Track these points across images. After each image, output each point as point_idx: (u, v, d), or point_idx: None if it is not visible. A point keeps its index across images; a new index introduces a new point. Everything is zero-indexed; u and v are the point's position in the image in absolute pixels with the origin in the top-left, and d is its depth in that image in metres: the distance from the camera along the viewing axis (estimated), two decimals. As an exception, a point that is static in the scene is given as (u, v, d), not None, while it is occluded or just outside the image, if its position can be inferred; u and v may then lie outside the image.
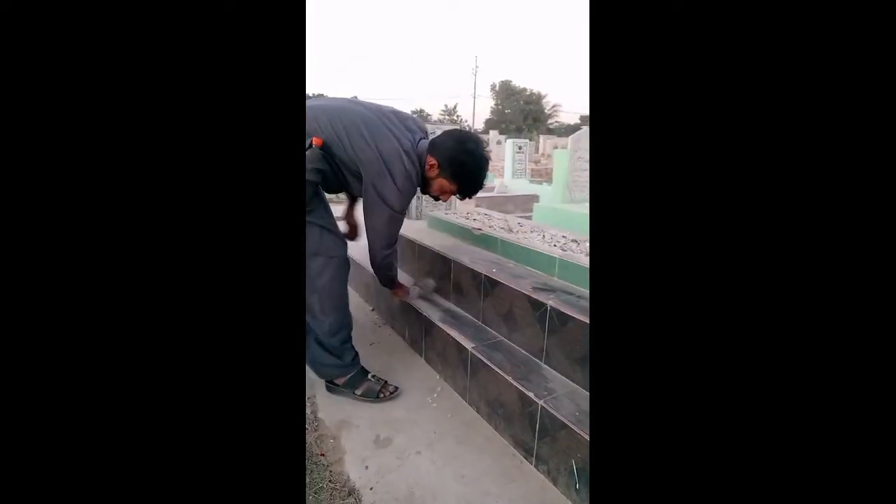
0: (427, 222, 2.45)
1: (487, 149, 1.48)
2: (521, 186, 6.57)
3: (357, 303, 2.35)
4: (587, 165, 3.52)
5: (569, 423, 1.10)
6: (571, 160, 3.55)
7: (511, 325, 1.52)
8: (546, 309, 1.36)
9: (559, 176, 3.70)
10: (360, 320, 2.13)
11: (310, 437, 1.32)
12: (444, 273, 1.87)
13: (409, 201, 1.42)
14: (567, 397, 1.21)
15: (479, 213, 2.44)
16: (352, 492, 1.13)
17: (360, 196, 1.44)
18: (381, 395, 1.50)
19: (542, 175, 9.37)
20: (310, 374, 1.52)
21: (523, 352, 1.46)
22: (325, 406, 1.48)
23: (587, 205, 3.22)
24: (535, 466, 1.22)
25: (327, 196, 1.49)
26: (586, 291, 1.45)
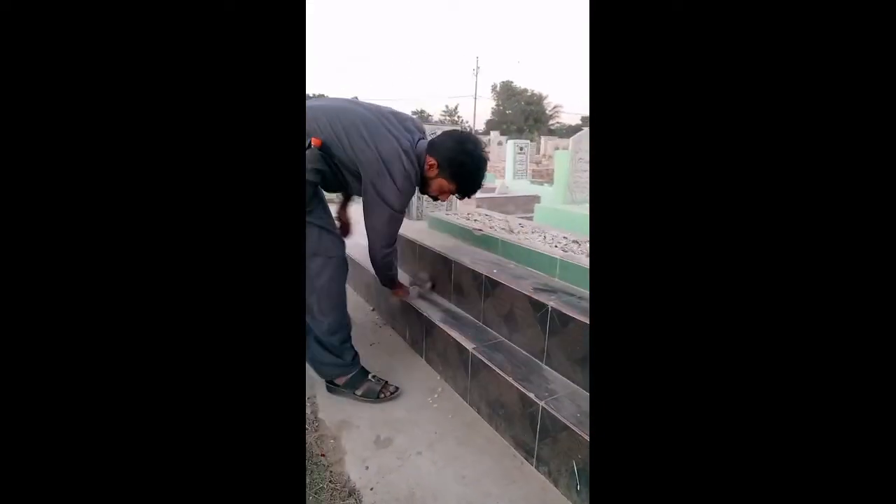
0: (428, 223, 2.45)
1: (486, 149, 1.49)
2: (522, 187, 6.57)
3: (358, 303, 2.35)
4: (588, 166, 3.51)
5: (570, 425, 1.10)
6: (572, 161, 3.55)
7: (512, 325, 1.52)
8: (547, 310, 1.35)
9: (560, 177, 3.69)
10: (361, 320, 2.13)
11: (310, 438, 1.32)
12: (445, 274, 1.87)
13: (408, 201, 1.43)
14: (568, 398, 1.21)
15: (479, 214, 2.44)
16: (352, 492, 1.13)
17: (359, 196, 1.45)
18: (382, 396, 1.50)
19: (544, 176, 9.37)
20: (310, 373, 1.52)
21: (524, 353, 1.46)
22: (325, 406, 1.48)
23: (588, 206, 3.22)
24: (536, 467, 1.22)
25: (326, 196, 1.49)
26: (587, 292, 1.44)
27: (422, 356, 1.81)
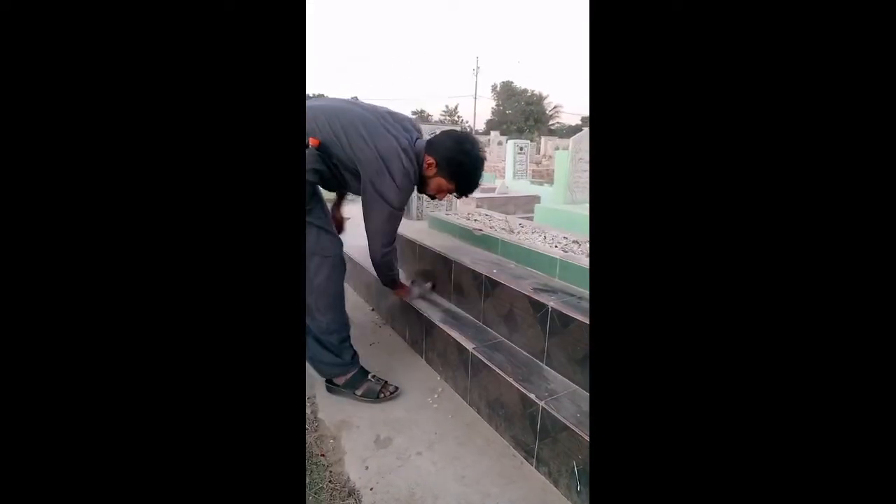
0: (428, 223, 2.45)
1: (484, 149, 1.50)
2: (522, 187, 6.57)
3: (357, 303, 2.35)
4: (588, 167, 3.51)
5: (570, 425, 1.10)
6: (572, 161, 3.55)
7: (512, 325, 1.52)
8: (547, 310, 1.35)
9: (560, 177, 3.69)
10: (361, 320, 2.13)
11: (310, 438, 1.32)
12: (445, 273, 1.87)
13: (407, 198, 1.44)
14: (568, 398, 1.21)
15: (480, 214, 2.44)
16: (352, 492, 1.13)
17: (358, 195, 1.46)
18: (382, 396, 1.50)
19: (544, 176, 9.37)
20: (310, 373, 1.52)
21: (524, 353, 1.46)
22: (325, 406, 1.48)
23: (588, 206, 3.22)
24: (536, 468, 1.22)
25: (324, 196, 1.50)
26: (587, 293, 1.44)
27: (422, 356, 1.81)
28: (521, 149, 7.41)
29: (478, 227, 2.07)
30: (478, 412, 1.46)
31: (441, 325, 1.64)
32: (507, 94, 37.97)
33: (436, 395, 1.56)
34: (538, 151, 14.30)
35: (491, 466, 1.24)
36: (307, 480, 1.15)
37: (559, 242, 1.79)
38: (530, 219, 3.15)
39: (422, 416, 1.45)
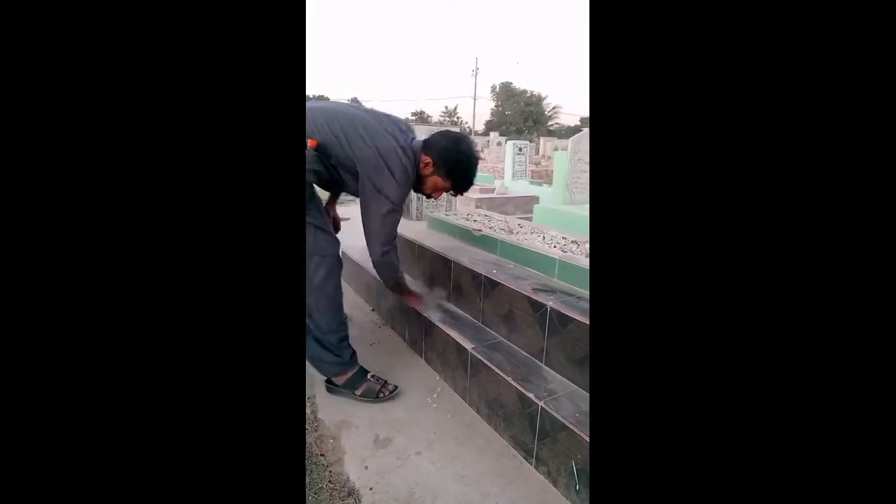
0: (427, 223, 2.45)
1: (480, 149, 1.54)
2: (522, 188, 6.57)
3: (357, 303, 2.35)
4: (587, 167, 3.52)
5: (569, 425, 1.10)
6: (571, 162, 3.56)
7: (511, 326, 1.52)
8: (546, 310, 1.36)
9: (559, 177, 3.70)
10: (360, 321, 2.13)
11: (310, 438, 1.32)
12: (444, 274, 1.87)
13: (406, 195, 1.47)
14: (567, 398, 1.21)
15: (479, 215, 2.44)
16: (351, 492, 1.13)
17: (356, 196, 1.49)
18: (381, 395, 1.50)
19: (543, 176, 9.37)
20: (310, 373, 1.53)
21: (523, 353, 1.46)
22: (324, 406, 1.48)
23: (587, 206, 3.22)
24: (535, 467, 1.22)
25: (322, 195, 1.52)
26: (586, 293, 1.45)
27: (421, 356, 1.81)
28: (520, 149, 7.42)
29: (477, 228, 2.07)
30: (477, 412, 1.46)
31: (440, 326, 1.64)
32: (507, 95, 37.99)
33: (435, 395, 1.56)
34: (537, 152, 14.30)
35: (490, 466, 1.24)
36: (307, 480, 1.15)
37: (558, 243, 1.79)
38: (529, 219, 3.16)
39: (421, 415, 1.45)
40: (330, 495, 1.11)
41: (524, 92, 38.00)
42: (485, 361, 1.40)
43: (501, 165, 8.86)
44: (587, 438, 1.05)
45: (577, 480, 1.09)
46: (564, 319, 1.29)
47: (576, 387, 1.27)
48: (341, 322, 1.50)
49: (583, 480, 1.07)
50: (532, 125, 34.77)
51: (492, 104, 39.36)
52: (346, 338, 1.52)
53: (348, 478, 1.18)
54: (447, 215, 2.40)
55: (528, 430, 1.23)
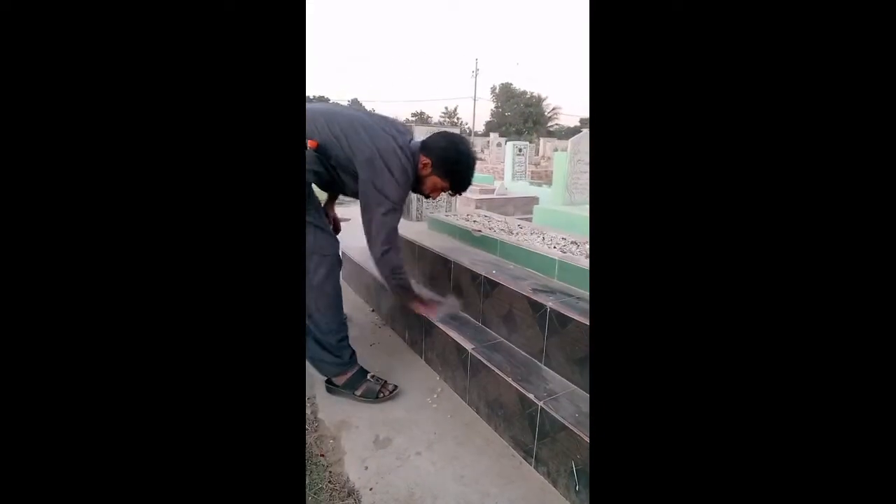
0: (427, 224, 2.45)
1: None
2: (521, 188, 6.58)
3: (358, 304, 2.35)
4: (587, 168, 3.52)
5: (569, 425, 1.10)
6: (571, 162, 3.56)
7: (511, 326, 1.52)
8: (546, 310, 1.36)
9: (559, 178, 3.70)
10: (361, 321, 2.13)
11: (310, 438, 1.32)
12: (445, 274, 1.87)
13: (405, 195, 1.47)
14: (567, 399, 1.21)
15: (479, 215, 2.44)
16: (351, 492, 1.13)
17: (354, 197, 1.50)
18: (381, 395, 1.50)
19: (542, 177, 9.38)
20: (310, 373, 1.53)
21: (523, 353, 1.46)
22: (324, 406, 1.48)
23: (587, 207, 3.23)
24: (535, 468, 1.22)
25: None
26: (586, 293, 1.45)
27: (421, 356, 1.81)
28: (520, 150, 7.43)
29: (477, 229, 2.07)
30: (477, 412, 1.46)
31: (440, 326, 1.64)
32: (506, 95, 38.01)
33: (435, 396, 1.56)
34: (537, 153, 14.30)
35: (490, 466, 1.24)
36: (307, 480, 1.15)
37: (558, 243, 1.79)
38: (529, 220, 3.16)
39: (421, 416, 1.45)
40: (330, 495, 1.11)
41: (524, 93, 38.03)
42: (484, 362, 1.40)
43: (501, 166, 8.87)
44: (587, 439, 1.05)
45: (577, 481, 1.09)
46: (564, 320, 1.30)
47: (575, 387, 1.27)
48: (341, 322, 1.50)
49: (582, 481, 1.07)
50: (532, 126, 34.80)
51: (492, 105, 39.40)
52: (346, 338, 1.52)
53: (348, 478, 1.18)
54: (447, 216, 2.40)
55: (527, 430, 1.23)
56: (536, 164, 11.33)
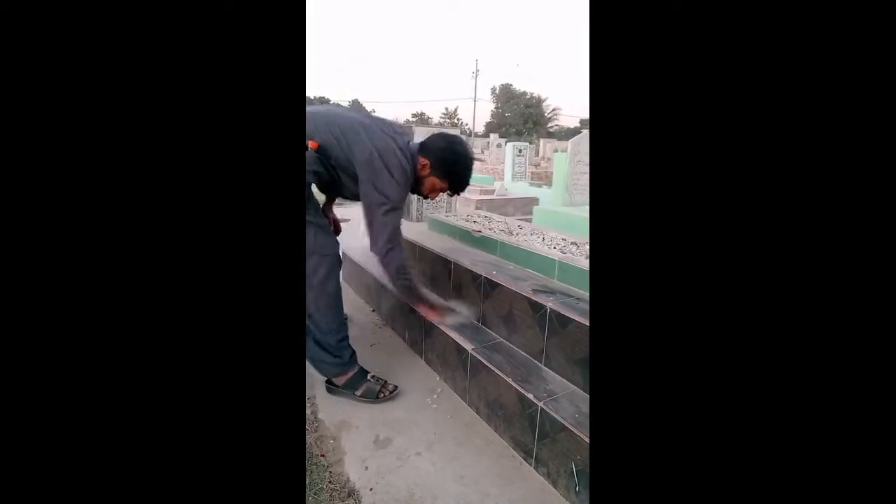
0: (427, 224, 2.45)
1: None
2: (521, 189, 6.59)
3: (358, 304, 2.35)
4: (587, 169, 3.52)
5: (568, 425, 1.10)
6: (571, 163, 3.56)
7: (511, 326, 1.52)
8: (546, 311, 1.36)
9: (559, 179, 3.70)
10: (361, 322, 2.13)
11: (310, 438, 1.32)
12: (445, 275, 1.88)
13: (405, 194, 1.48)
14: (567, 399, 1.21)
15: (479, 216, 2.44)
16: (351, 493, 1.13)
17: (354, 199, 1.52)
18: (381, 395, 1.50)
19: (542, 178, 9.38)
20: (310, 373, 1.53)
21: (523, 353, 1.46)
22: (325, 406, 1.48)
23: (587, 208, 3.23)
24: (535, 468, 1.22)
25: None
26: (586, 294, 1.45)
27: (421, 357, 1.81)
28: (520, 151, 7.44)
29: (477, 229, 2.07)
30: (477, 412, 1.46)
31: (440, 326, 1.64)
32: (507, 96, 38.02)
33: (435, 396, 1.56)
34: (537, 154, 14.30)
35: (490, 467, 1.24)
36: (307, 481, 1.15)
37: (558, 244, 1.79)
38: (529, 220, 3.16)
39: (421, 416, 1.45)
40: (330, 496, 1.11)
41: (524, 94, 38.03)
42: (485, 362, 1.40)
43: (501, 167, 8.88)
44: (587, 439, 1.05)
45: (577, 481, 1.09)
46: (564, 320, 1.30)
47: (575, 388, 1.27)
48: (341, 322, 1.50)
49: (582, 481, 1.07)
50: (532, 127, 34.81)
51: (492, 106, 39.41)
52: (346, 338, 1.52)
53: (348, 478, 1.18)
54: (447, 216, 2.41)
55: (527, 430, 1.23)
56: (536, 165, 11.33)
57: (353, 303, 2.34)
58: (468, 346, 1.49)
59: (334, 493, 1.12)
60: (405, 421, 1.42)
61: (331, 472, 1.19)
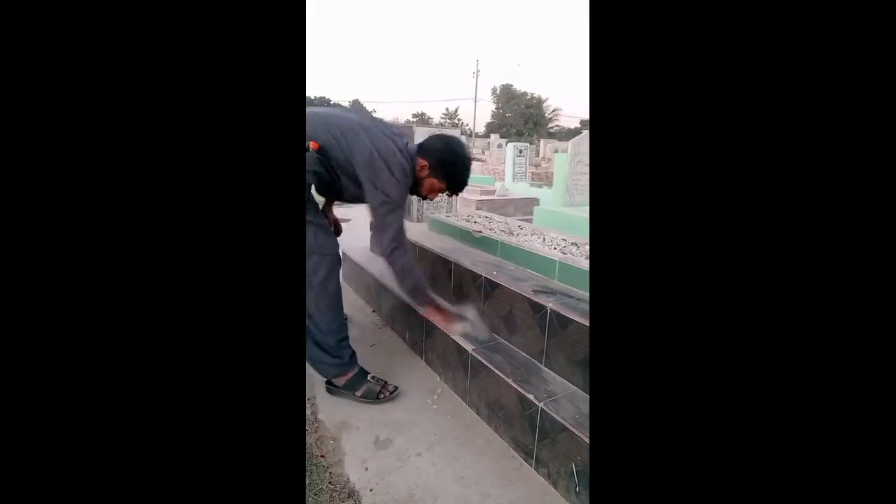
0: (428, 225, 2.45)
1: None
2: (522, 189, 6.59)
3: (358, 304, 2.35)
4: (587, 169, 3.52)
5: (569, 426, 1.10)
6: (571, 164, 3.56)
7: (511, 327, 1.52)
8: (546, 311, 1.36)
9: (559, 179, 3.70)
10: (361, 322, 2.13)
11: (310, 439, 1.32)
12: (445, 275, 1.88)
13: (406, 194, 1.49)
14: (567, 400, 1.21)
15: (479, 216, 2.44)
16: (352, 493, 1.13)
17: (352, 201, 1.55)
18: (381, 396, 1.50)
19: (543, 178, 9.38)
20: (310, 374, 1.53)
21: (523, 354, 1.46)
22: (325, 407, 1.48)
23: (587, 208, 3.23)
24: (535, 469, 1.22)
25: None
26: (586, 294, 1.45)
27: (421, 357, 1.81)
28: (521, 151, 7.44)
29: (477, 229, 2.07)
30: (477, 413, 1.46)
31: (441, 327, 1.64)
32: (507, 97, 38.03)
33: (435, 397, 1.56)
34: (537, 154, 14.31)
35: (490, 467, 1.24)
36: (307, 481, 1.15)
37: (558, 244, 1.79)
38: (529, 221, 3.16)
39: (421, 417, 1.45)
40: (330, 496, 1.11)
41: (524, 94, 38.04)
42: (485, 363, 1.40)
43: (502, 167, 8.88)
44: (587, 440, 1.05)
45: (577, 482, 1.09)
46: (564, 321, 1.30)
47: (576, 388, 1.27)
48: (341, 323, 1.50)
49: (583, 482, 1.07)
50: (532, 127, 34.82)
51: (492, 106, 39.41)
52: (346, 339, 1.52)
53: (348, 479, 1.18)
54: (448, 217, 2.41)
55: (528, 431, 1.23)
56: (537, 166, 11.34)
57: (353, 303, 2.34)
58: (468, 347, 1.49)
59: (334, 494, 1.12)
60: (405, 422, 1.42)
61: (331, 473, 1.19)
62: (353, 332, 1.55)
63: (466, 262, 1.76)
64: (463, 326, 1.58)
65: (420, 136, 1.74)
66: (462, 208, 2.96)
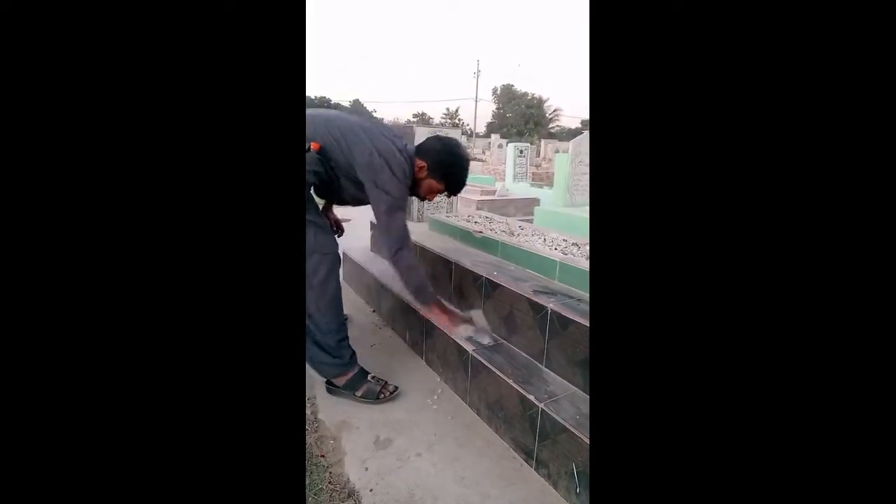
0: (428, 225, 2.45)
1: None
2: (522, 190, 6.59)
3: (358, 304, 2.35)
4: (588, 169, 3.52)
5: (569, 427, 1.10)
6: (572, 164, 3.56)
7: (512, 327, 1.52)
8: (547, 312, 1.36)
9: (560, 180, 3.70)
10: (361, 322, 2.13)
11: (310, 439, 1.32)
12: (446, 275, 1.88)
13: (406, 191, 1.50)
14: (567, 400, 1.21)
15: (480, 216, 2.44)
16: (352, 493, 1.13)
17: (351, 204, 1.56)
18: (381, 396, 1.50)
19: (543, 179, 9.38)
20: (310, 374, 1.53)
21: (524, 354, 1.46)
22: (325, 407, 1.48)
23: (588, 209, 3.22)
24: (536, 469, 1.22)
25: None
26: (587, 295, 1.45)
27: (422, 357, 1.81)
28: (521, 152, 7.44)
29: (478, 230, 2.07)
30: (477, 414, 1.46)
31: (441, 327, 1.64)
32: (508, 97, 38.03)
33: (435, 397, 1.56)
34: (538, 154, 14.30)
35: (490, 468, 1.24)
36: (307, 481, 1.15)
37: (559, 245, 1.79)
38: (530, 221, 3.16)
39: (422, 417, 1.45)
40: (330, 496, 1.11)
41: (525, 94, 38.04)
42: (485, 363, 1.40)
43: (502, 167, 8.88)
44: (587, 441, 1.05)
45: (578, 483, 1.09)
46: (565, 321, 1.29)
47: (576, 389, 1.27)
48: (341, 322, 1.50)
49: (583, 483, 1.07)
50: (533, 127, 34.82)
51: (493, 106, 39.42)
52: (346, 339, 1.52)
53: (348, 479, 1.18)
54: (448, 217, 2.41)
55: (528, 432, 1.23)
56: (537, 166, 11.34)
57: (353, 303, 2.34)
58: (469, 347, 1.49)
59: (334, 494, 1.12)
60: (405, 422, 1.42)
61: (331, 473, 1.19)
62: (353, 332, 1.55)
63: (467, 263, 1.76)
64: (466, 329, 1.58)
65: (421, 136, 1.75)
66: (462, 208, 2.96)
